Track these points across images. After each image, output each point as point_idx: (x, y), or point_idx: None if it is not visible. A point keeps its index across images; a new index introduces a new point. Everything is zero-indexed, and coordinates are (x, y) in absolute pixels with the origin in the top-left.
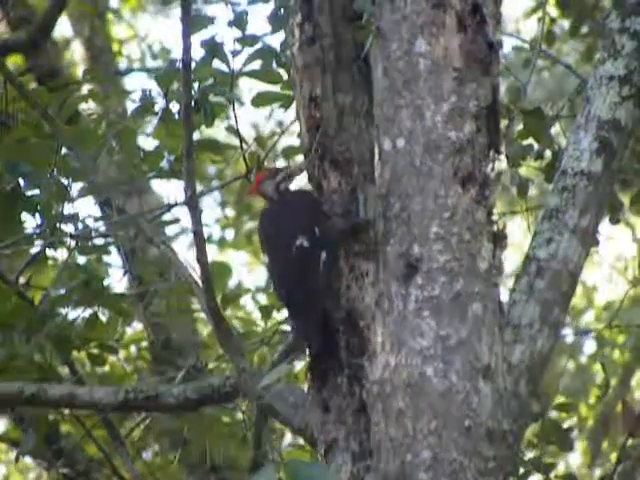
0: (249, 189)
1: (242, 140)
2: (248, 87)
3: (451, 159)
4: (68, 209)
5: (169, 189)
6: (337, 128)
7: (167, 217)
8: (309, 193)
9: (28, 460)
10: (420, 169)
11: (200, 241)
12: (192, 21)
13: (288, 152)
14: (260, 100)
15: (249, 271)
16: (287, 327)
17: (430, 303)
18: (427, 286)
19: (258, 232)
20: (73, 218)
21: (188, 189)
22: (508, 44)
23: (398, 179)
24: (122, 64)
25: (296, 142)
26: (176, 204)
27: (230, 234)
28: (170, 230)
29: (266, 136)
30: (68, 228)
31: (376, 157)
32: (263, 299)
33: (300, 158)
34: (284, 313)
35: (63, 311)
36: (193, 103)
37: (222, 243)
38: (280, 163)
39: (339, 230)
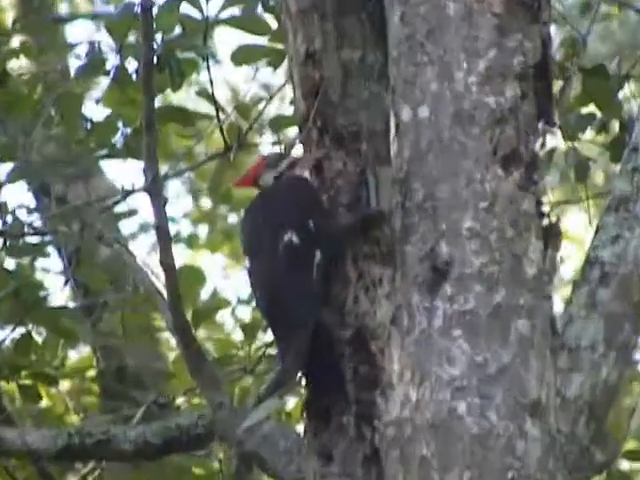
0: (242, 179)
1: (219, 108)
2: (226, 39)
3: (489, 132)
4: None
5: (124, 171)
6: (341, 93)
7: (122, 208)
8: (303, 179)
9: None
10: (449, 145)
11: (164, 239)
12: None
13: (278, 123)
14: (242, 56)
15: (227, 278)
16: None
17: (462, 319)
18: (458, 297)
19: (239, 229)
20: (0, 209)
21: (149, 171)
22: None
23: (420, 159)
24: (63, 9)
25: (288, 110)
26: (133, 191)
27: (203, 230)
28: (126, 225)
29: (250, 103)
30: None
31: (392, 130)
32: (246, 314)
33: (294, 131)
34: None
35: None
36: (155, 60)
37: (193, 242)
38: (268, 138)
39: (345, 226)
